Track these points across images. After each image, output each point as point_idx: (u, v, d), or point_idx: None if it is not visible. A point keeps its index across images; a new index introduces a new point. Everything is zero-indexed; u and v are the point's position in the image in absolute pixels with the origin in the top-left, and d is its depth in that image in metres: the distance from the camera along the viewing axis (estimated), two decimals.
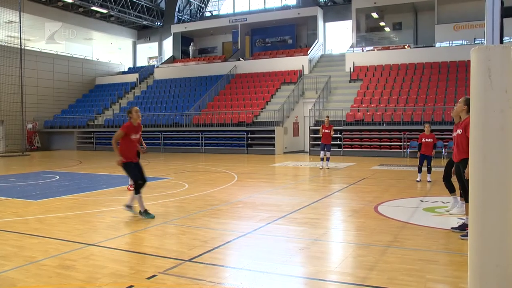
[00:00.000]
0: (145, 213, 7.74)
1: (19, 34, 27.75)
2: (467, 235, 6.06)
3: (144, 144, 11.89)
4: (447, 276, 4.78)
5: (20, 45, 28.02)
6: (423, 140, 12.12)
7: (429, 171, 12.35)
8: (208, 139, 27.21)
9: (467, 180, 6.20)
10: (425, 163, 12.29)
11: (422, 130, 12.53)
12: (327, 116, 17.25)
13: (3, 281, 4.72)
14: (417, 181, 12.36)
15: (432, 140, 12.11)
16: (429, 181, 12.21)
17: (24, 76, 28.26)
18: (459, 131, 6.33)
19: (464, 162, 6.16)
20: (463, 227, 6.46)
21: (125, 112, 31.05)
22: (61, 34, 34.06)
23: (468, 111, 6.37)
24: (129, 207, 7.84)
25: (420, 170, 12.45)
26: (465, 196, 6.49)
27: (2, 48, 29.61)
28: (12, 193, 10.88)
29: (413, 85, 25.86)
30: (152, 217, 7.68)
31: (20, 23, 27.47)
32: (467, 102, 6.38)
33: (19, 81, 27.96)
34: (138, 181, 7.73)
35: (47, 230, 6.99)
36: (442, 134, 20.23)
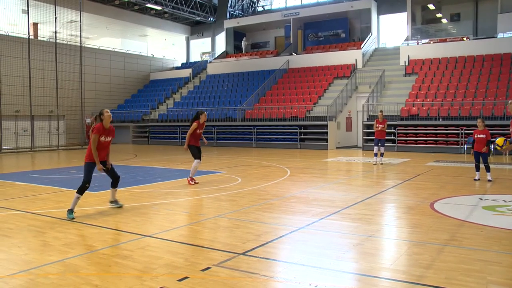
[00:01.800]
0: (70, 212, 7.51)
1: (79, 32, 28.90)
2: None
3: (204, 139, 12.10)
4: (511, 279, 4.58)
5: (80, 43, 29.23)
6: (476, 136, 11.66)
7: (487, 169, 11.63)
8: (261, 133, 27.32)
9: None
10: (481, 160, 11.75)
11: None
12: (381, 111, 16.92)
13: (67, 267, 4.96)
14: (475, 179, 11.76)
15: (485, 136, 11.50)
16: (489, 180, 11.55)
17: (83, 72, 29.42)
18: None
19: None
20: None
21: (182, 106, 31.60)
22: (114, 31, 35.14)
23: None
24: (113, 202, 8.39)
25: (477, 168, 11.85)
26: None
27: (64, 46, 30.95)
28: (73, 185, 11.31)
29: (472, 78, 24.87)
30: (72, 217, 7.39)
31: (80, 22, 28.60)
32: None
33: (79, 78, 29.17)
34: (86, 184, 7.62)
35: (105, 220, 7.26)
36: (503, 130, 19.37)
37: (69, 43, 31.80)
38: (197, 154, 11.47)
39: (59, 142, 28.50)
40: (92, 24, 34.29)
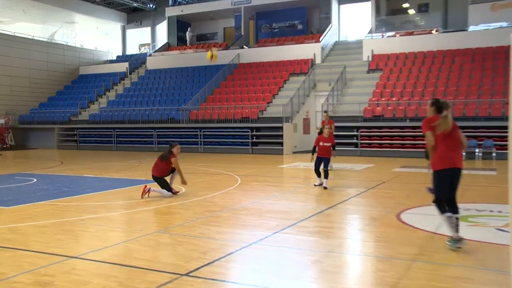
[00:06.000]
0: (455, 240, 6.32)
1: None
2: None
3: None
4: None
5: None
6: (320, 143, 12.44)
7: (326, 176, 12.22)
8: (208, 137, 27.22)
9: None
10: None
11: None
12: (326, 111, 17.14)
13: None
14: (316, 185, 12.46)
15: (330, 144, 12.40)
16: (325, 187, 12.06)
17: None
18: None
19: None
20: None
21: (112, 106, 30.96)
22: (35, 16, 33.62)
23: (434, 111, 6.69)
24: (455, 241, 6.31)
25: (318, 174, 12.43)
26: None
27: None
28: None
29: (442, 75, 25.72)
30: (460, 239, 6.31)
31: None
32: (433, 104, 6.77)
33: None
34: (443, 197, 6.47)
35: (22, 241, 6.96)
36: (475, 132, 20.10)
37: None
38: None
39: None
40: (4, 5, 32.82)
